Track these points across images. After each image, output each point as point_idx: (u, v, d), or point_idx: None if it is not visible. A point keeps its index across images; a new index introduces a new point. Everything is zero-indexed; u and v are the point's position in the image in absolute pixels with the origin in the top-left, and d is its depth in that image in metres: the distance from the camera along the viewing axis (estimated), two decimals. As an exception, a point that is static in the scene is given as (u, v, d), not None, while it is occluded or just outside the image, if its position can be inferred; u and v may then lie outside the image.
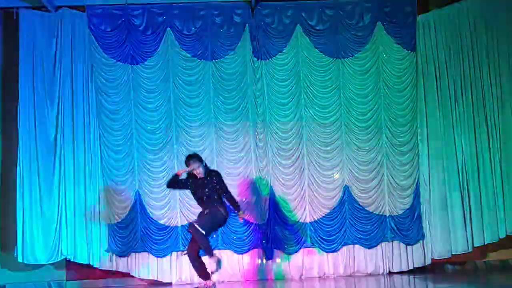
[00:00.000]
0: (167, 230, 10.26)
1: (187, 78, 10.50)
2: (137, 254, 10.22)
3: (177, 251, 10.25)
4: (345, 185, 10.48)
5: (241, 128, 10.49)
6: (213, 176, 8.51)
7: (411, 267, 10.45)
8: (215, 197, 8.45)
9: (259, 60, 10.54)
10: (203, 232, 8.25)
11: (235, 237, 10.26)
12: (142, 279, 10.30)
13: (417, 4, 10.66)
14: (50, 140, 10.25)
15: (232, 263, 10.29)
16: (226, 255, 10.13)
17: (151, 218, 10.24)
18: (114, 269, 10.21)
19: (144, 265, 10.24)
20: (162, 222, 10.26)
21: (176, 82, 10.48)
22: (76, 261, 10.13)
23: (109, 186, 10.22)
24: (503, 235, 10.42)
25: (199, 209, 8.72)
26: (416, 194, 10.47)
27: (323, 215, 10.43)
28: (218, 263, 8.34)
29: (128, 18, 10.44)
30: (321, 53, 10.60)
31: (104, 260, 10.15)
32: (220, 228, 8.93)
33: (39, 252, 10.05)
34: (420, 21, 10.68)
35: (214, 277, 8.62)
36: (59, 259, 10.12)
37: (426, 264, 10.47)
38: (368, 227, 10.42)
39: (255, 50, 10.53)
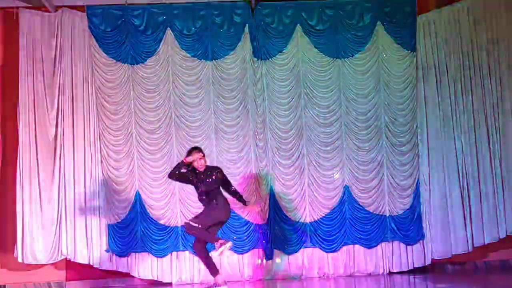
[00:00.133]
0: (167, 230, 10.26)
1: (187, 78, 10.50)
2: (137, 254, 10.22)
3: (177, 251, 10.25)
4: (345, 185, 10.48)
5: (241, 128, 10.49)
6: (214, 171, 8.70)
7: (411, 267, 10.45)
8: (215, 193, 8.60)
9: (259, 60, 10.54)
10: (199, 226, 8.39)
11: (235, 237, 10.25)
12: (142, 279, 10.30)
13: (417, 4, 10.66)
14: (50, 140, 10.25)
15: (232, 263, 10.29)
16: (226, 255, 10.11)
17: (151, 218, 10.24)
18: (114, 269, 10.21)
19: (144, 265, 10.24)
20: (162, 222, 10.26)
21: (176, 82, 10.48)
22: (76, 261, 10.13)
23: (109, 186, 10.22)
24: (503, 235, 10.42)
25: (199, 209, 8.74)
26: (416, 194, 10.47)
27: (323, 215, 10.43)
28: (225, 248, 8.46)
29: (128, 18, 10.43)
30: (321, 53, 10.59)
31: (104, 260, 10.15)
32: (222, 225, 8.95)
33: (39, 252, 10.05)
34: (420, 21, 10.68)
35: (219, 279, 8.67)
36: (59, 259, 10.12)
37: (426, 264, 10.47)
38: (368, 227, 10.42)
39: (255, 50, 10.53)
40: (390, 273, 10.39)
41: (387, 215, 10.45)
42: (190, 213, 10.11)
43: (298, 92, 10.56)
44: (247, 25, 10.54)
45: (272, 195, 10.39)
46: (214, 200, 8.61)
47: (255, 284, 9.98)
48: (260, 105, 10.53)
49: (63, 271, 10.32)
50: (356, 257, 10.43)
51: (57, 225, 10.11)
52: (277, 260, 10.36)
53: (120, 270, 10.20)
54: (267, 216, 10.32)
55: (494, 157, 10.53)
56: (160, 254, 10.22)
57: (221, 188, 8.77)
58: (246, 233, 10.31)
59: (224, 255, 8.65)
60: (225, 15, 10.53)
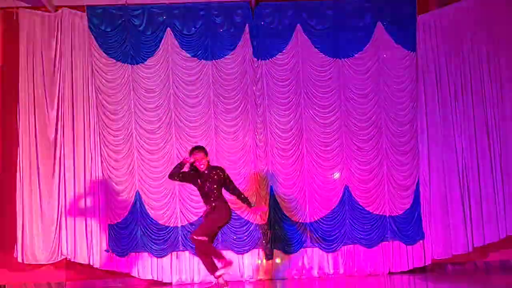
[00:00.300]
0: (167, 230, 10.26)
1: (187, 78, 10.50)
2: (137, 254, 10.22)
3: (177, 251, 10.25)
4: (345, 185, 10.48)
5: (241, 128, 10.49)
6: (215, 170, 8.50)
7: (411, 267, 10.45)
8: (216, 194, 8.43)
9: (259, 60, 10.53)
10: (205, 238, 8.26)
11: (235, 237, 10.26)
12: (142, 279, 10.30)
13: (417, 4, 10.66)
14: (50, 140, 10.25)
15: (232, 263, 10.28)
16: (226, 255, 10.09)
17: (151, 218, 10.24)
18: (114, 269, 10.20)
19: (144, 265, 10.24)
20: (162, 222, 10.26)
21: (176, 82, 10.48)
22: (76, 261, 10.14)
23: (109, 186, 10.21)
24: (503, 235, 10.42)
25: (199, 209, 8.73)
26: (416, 194, 10.47)
27: (323, 215, 10.43)
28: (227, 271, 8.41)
29: (128, 18, 10.43)
30: (321, 53, 10.60)
31: (104, 260, 10.15)
32: (221, 228, 8.89)
33: (39, 252, 10.05)
34: (420, 21, 10.68)
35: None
36: (59, 259, 10.12)
37: (426, 264, 10.46)
38: (368, 227, 10.42)
39: (255, 50, 10.53)
40: (390, 273, 10.39)
41: (387, 215, 10.45)
42: (190, 213, 10.12)
43: (298, 92, 10.56)
44: (247, 25, 10.54)
45: (272, 195, 10.39)
46: (214, 204, 8.40)
47: (255, 284, 9.98)
48: (260, 105, 10.53)
49: (63, 271, 10.32)
50: (356, 257, 10.43)
51: (57, 225, 10.11)
52: (277, 260, 10.36)
53: (120, 270, 10.20)
54: (267, 216, 10.32)
55: (494, 157, 10.53)
56: (160, 254, 10.22)
57: (223, 190, 8.57)
58: (246, 233, 10.31)
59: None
60: (225, 15, 10.53)
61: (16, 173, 10.10)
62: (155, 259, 10.25)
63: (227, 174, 8.61)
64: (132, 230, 10.19)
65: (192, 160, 8.49)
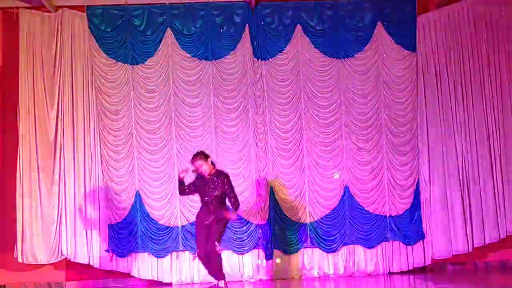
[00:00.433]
0: (167, 230, 10.26)
1: (187, 78, 10.49)
2: (137, 254, 10.22)
3: (177, 251, 10.25)
4: (345, 185, 10.48)
5: (241, 128, 10.49)
6: (219, 177, 8.41)
7: (411, 267, 10.45)
8: (217, 202, 8.40)
9: (259, 60, 10.54)
10: (220, 247, 8.35)
11: (235, 237, 10.26)
12: (142, 279, 10.29)
13: (417, 4, 10.66)
14: (50, 140, 10.25)
15: (232, 263, 10.29)
16: (226, 255, 10.11)
17: (151, 218, 10.24)
18: (114, 269, 10.20)
19: (144, 265, 10.24)
20: (162, 222, 10.25)
21: (176, 82, 10.48)
22: (76, 261, 10.13)
23: (109, 186, 10.22)
24: (503, 235, 10.42)
25: (198, 209, 8.70)
26: (416, 194, 10.47)
27: (323, 215, 10.43)
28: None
29: (128, 18, 10.43)
30: (321, 53, 10.60)
31: (104, 260, 10.14)
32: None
33: (39, 252, 10.04)
34: (420, 21, 10.68)
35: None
36: (59, 259, 10.12)
37: (426, 264, 10.47)
38: (368, 227, 10.42)
39: (255, 50, 10.53)
40: (390, 273, 10.39)
41: (387, 215, 10.45)
42: (190, 213, 10.10)
43: (298, 92, 10.56)
44: (247, 25, 10.54)
45: (272, 195, 10.39)
46: (214, 212, 8.37)
47: (255, 284, 9.97)
48: (260, 105, 10.53)
49: (63, 271, 10.32)
50: (356, 257, 10.43)
51: (57, 225, 10.10)
52: (277, 260, 10.36)
53: (120, 270, 10.20)
54: (267, 216, 10.32)
55: (494, 157, 10.52)
56: (160, 254, 10.22)
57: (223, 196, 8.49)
58: (246, 233, 10.31)
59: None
60: (225, 15, 10.53)
61: (16, 173, 10.10)
62: (155, 259, 10.24)
63: (230, 181, 8.46)
64: (132, 230, 10.19)
65: (185, 174, 8.47)
